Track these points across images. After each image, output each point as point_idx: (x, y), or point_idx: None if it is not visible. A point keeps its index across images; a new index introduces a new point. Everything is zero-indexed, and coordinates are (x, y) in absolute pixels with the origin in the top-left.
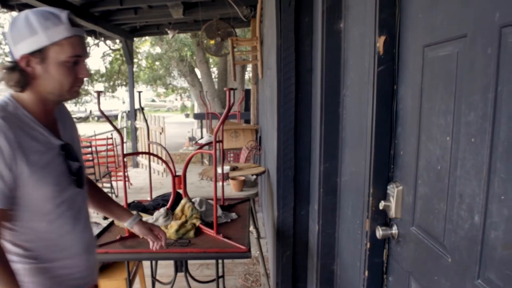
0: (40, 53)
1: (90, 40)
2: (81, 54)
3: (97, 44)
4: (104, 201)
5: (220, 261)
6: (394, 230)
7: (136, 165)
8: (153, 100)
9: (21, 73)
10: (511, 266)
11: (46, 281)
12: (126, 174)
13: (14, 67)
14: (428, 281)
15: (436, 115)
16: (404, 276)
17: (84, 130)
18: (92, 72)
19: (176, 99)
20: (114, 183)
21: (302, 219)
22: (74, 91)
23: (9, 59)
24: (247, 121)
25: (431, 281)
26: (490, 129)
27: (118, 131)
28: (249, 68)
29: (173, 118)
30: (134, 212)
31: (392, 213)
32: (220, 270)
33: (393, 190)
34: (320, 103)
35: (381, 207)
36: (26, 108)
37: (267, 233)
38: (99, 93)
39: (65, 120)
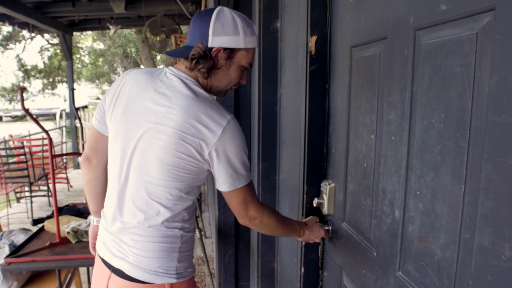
0: (231, 51)
1: (25, 33)
2: (252, 64)
3: (31, 38)
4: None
5: None
6: (328, 226)
7: (77, 166)
8: (97, 98)
9: (212, 61)
10: (426, 258)
11: (191, 249)
12: (66, 175)
13: (207, 54)
14: (357, 275)
15: (362, 114)
16: (337, 271)
17: (19, 129)
18: (29, 67)
19: None
20: (51, 186)
21: None
22: (227, 92)
23: (200, 45)
24: None
25: (360, 275)
26: (408, 127)
27: (46, 132)
28: None
29: None
30: None
31: (325, 210)
32: None
33: (326, 187)
34: (258, 102)
35: (314, 204)
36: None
37: (212, 233)
38: (21, 90)
39: None
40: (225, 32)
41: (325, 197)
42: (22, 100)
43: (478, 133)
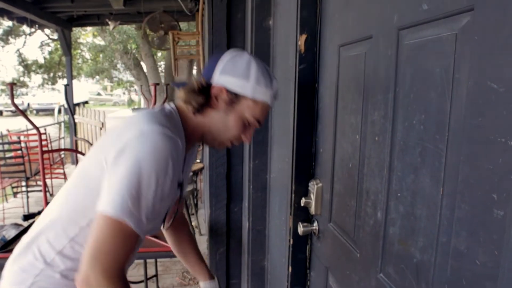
0: (235, 96)
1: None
2: (261, 122)
3: (30, 34)
4: (186, 250)
5: (151, 260)
6: (315, 226)
7: (75, 162)
8: (98, 94)
9: (207, 99)
10: (405, 261)
11: None
12: (63, 171)
13: (205, 89)
14: (342, 276)
15: (348, 114)
16: (323, 271)
17: (19, 124)
18: (29, 62)
19: (124, 93)
20: (48, 181)
21: (235, 216)
22: (224, 145)
23: (202, 79)
24: None
25: (345, 276)
26: (390, 128)
27: (36, 127)
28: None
29: (120, 112)
30: (215, 279)
31: (313, 209)
32: (157, 269)
33: (313, 187)
34: None
35: (302, 204)
36: (185, 131)
37: (207, 230)
38: (11, 85)
39: (190, 155)
40: (233, 73)
41: (312, 196)
42: (12, 95)
43: (456, 136)
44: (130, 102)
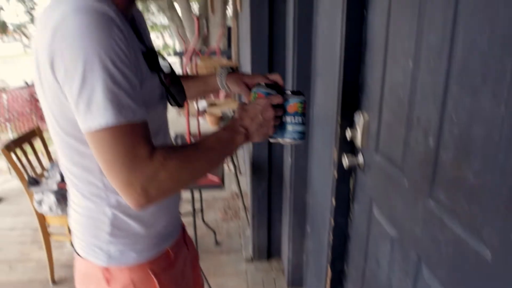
0: None
1: None
2: None
3: None
4: (192, 85)
5: (198, 196)
6: (360, 159)
7: None
8: None
9: None
10: (457, 184)
11: (135, 242)
12: None
13: None
14: (388, 205)
15: (400, 39)
16: (367, 203)
17: None
18: None
19: (158, 37)
20: None
21: (276, 153)
22: None
23: None
24: (229, 58)
25: (391, 206)
26: (448, 50)
27: None
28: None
29: None
30: (218, 69)
31: (358, 142)
32: (199, 204)
33: (360, 119)
34: (293, 33)
35: (348, 137)
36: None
37: (247, 169)
38: None
39: (140, 22)
40: None
41: (358, 129)
42: None
43: None
44: (165, 46)
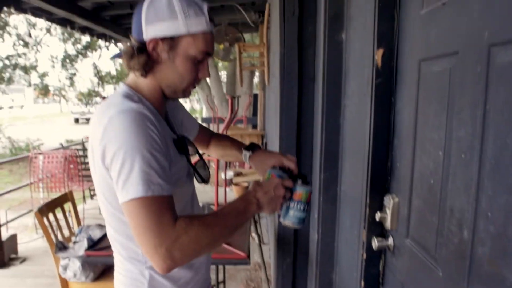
0: (171, 41)
1: (101, 42)
2: (211, 52)
3: (107, 47)
4: (226, 150)
5: (221, 266)
6: (390, 241)
7: None
8: None
9: (147, 56)
10: (495, 282)
11: None
12: None
13: (141, 48)
14: None
15: (429, 130)
16: (398, 287)
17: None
18: (103, 74)
19: (186, 102)
20: None
21: (303, 228)
22: (188, 90)
23: (133, 39)
24: (255, 127)
25: None
26: (479, 146)
27: None
28: (258, 72)
29: None
30: (243, 152)
31: (388, 224)
32: (222, 275)
33: (389, 201)
34: (322, 112)
35: (377, 218)
36: (146, 98)
37: (270, 239)
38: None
39: (173, 109)
40: (159, 18)
41: (388, 211)
42: None
43: None
44: (192, 111)
